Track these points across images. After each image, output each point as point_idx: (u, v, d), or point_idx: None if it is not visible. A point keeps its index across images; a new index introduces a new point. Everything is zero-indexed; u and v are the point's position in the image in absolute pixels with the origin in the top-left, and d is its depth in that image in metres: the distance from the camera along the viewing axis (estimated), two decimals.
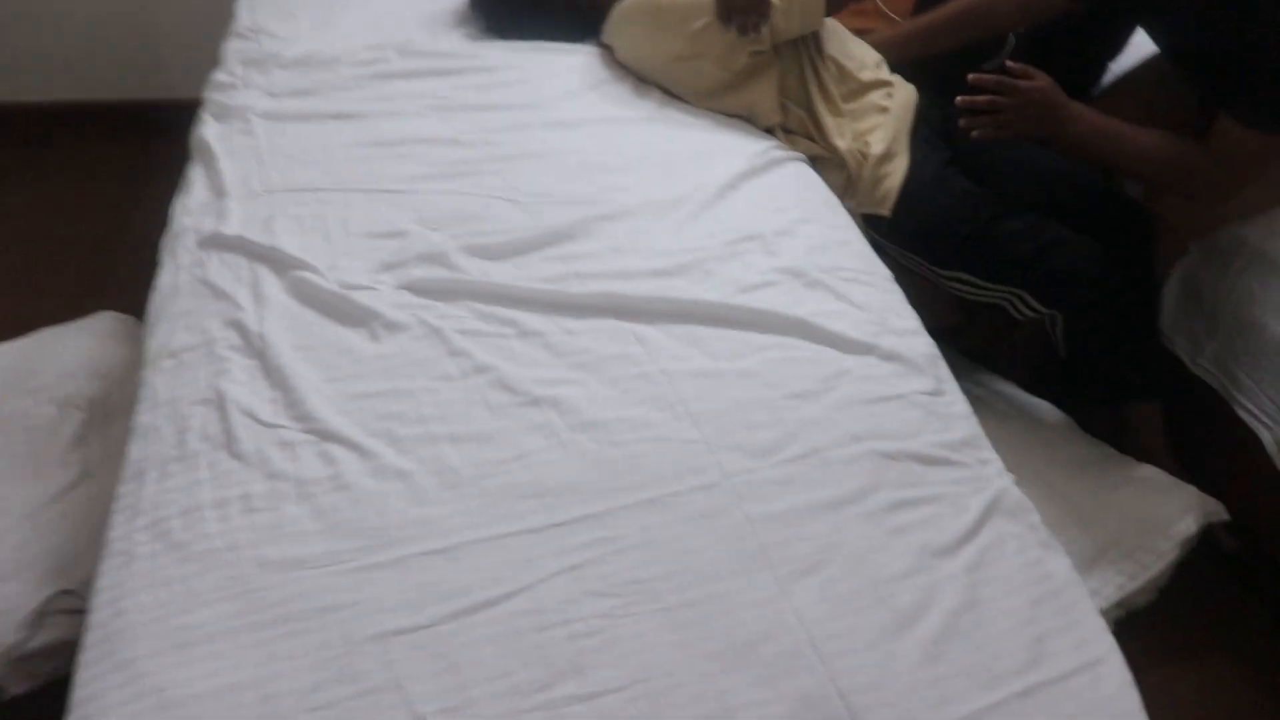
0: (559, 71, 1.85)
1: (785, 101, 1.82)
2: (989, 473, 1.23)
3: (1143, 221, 1.78)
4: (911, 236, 1.75)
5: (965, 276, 1.73)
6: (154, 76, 2.75)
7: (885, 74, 1.90)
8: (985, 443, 1.27)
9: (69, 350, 1.66)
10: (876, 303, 1.44)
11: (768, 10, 1.73)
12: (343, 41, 1.88)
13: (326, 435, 1.15)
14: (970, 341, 1.99)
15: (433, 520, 1.09)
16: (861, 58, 1.90)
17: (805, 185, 1.68)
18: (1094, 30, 2.00)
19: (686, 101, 1.82)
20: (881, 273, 1.51)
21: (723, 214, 1.55)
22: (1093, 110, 1.68)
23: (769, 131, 1.81)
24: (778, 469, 1.18)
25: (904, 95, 1.86)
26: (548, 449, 1.16)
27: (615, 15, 1.89)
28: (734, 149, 1.69)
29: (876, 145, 1.77)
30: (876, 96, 1.85)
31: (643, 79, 1.86)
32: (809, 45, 1.84)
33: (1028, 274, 1.67)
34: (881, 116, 1.82)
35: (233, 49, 1.88)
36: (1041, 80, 1.63)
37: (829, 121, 1.79)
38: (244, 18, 1.97)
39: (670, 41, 1.81)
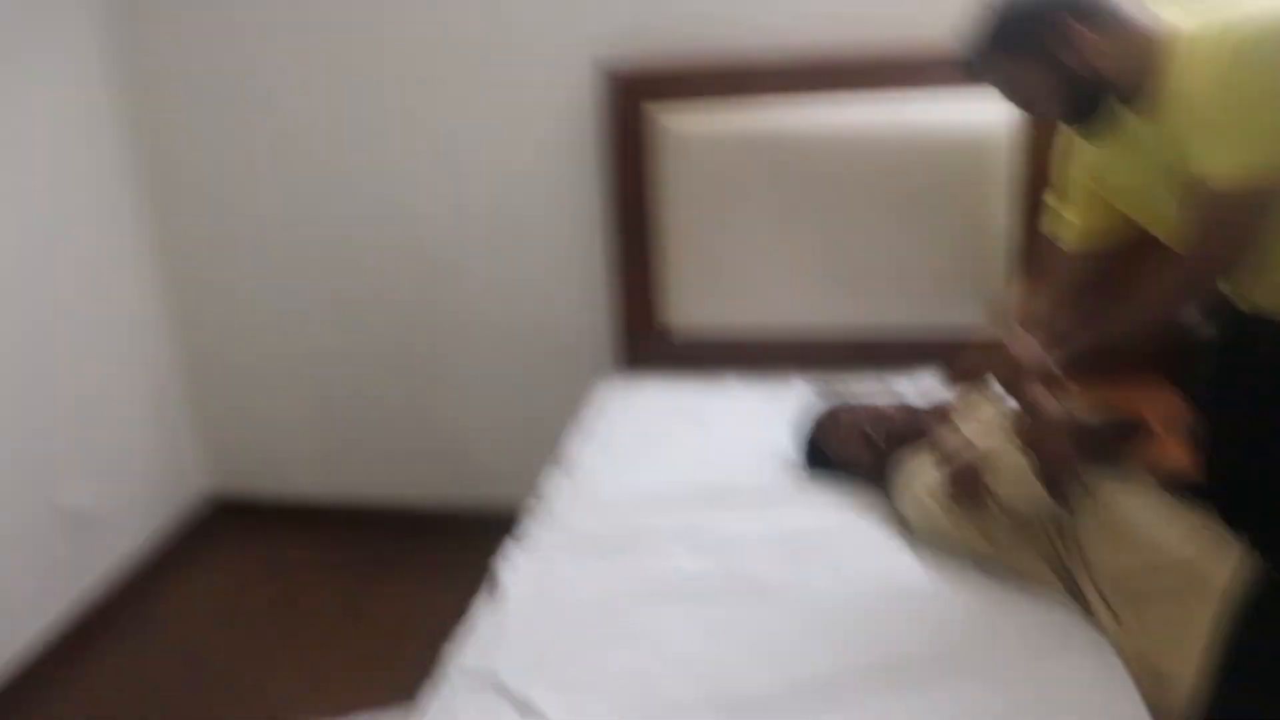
0: (854, 517, 1.82)
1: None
2: None
3: None
4: None
5: None
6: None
7: (1191, 552, 1.53)
8: None
9: None
10: None
11: (979, 490, 1.67)
12: (652, 486, 1.95)
13: None
14: None
15: None
16: (1159, 540, 1.56)
17: (1095, 666, 1.46)
18: None
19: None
20: None
21: (995, 695, 1.39)
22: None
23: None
24: None
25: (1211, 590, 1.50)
26: None
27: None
28: (1016, 615, 1.55)
29: (1164, 662, 1.47)
30: (1169, 580, 1.52)
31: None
32: (1091, 526, 1.64)
33: None
34: (1174, 610, 1.50)
35: (553, 483, 1.99)
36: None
37: (1108, 625, 1.55)
38: (570, 452, 2.10)
39: (932, 515, 1.76)
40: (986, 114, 2.21)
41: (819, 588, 1.63)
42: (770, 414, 2.19)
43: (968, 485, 1.68)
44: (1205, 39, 1.44)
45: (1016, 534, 1.66)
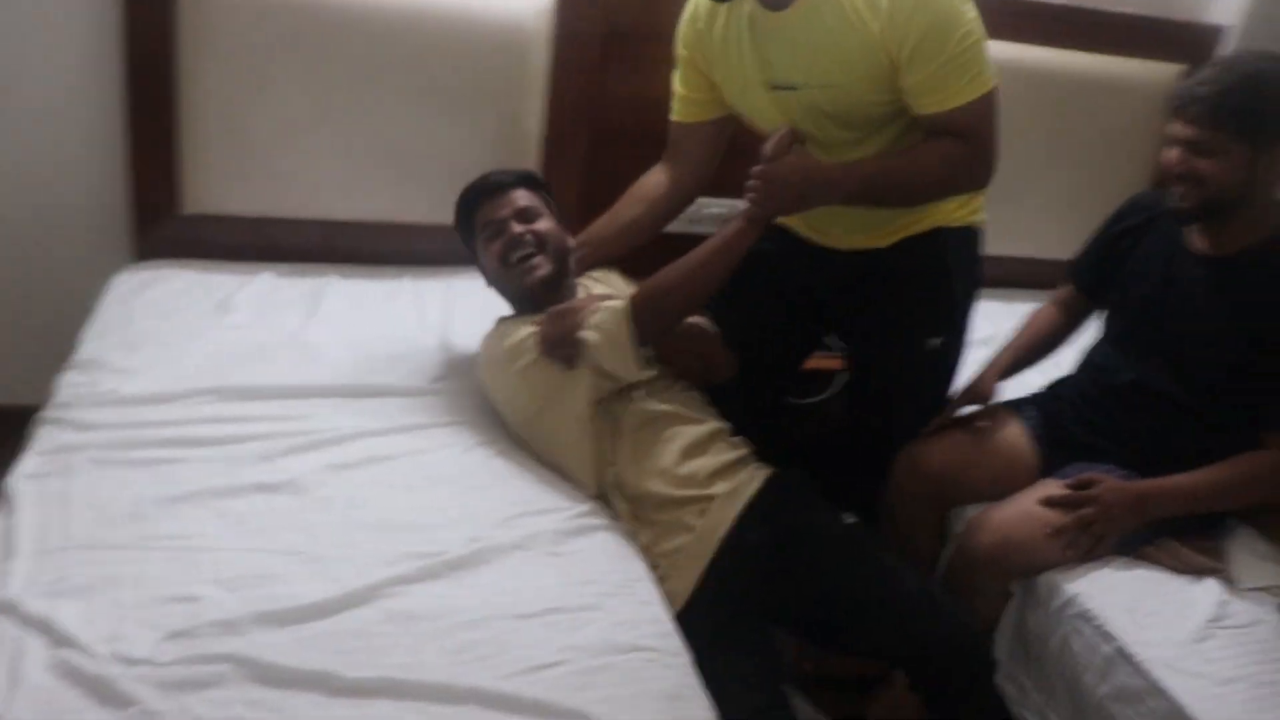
0: (390, 413, 1.84)
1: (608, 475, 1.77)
2: None
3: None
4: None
5: None
6: None
7: (716, 488, 1.72)
8: None
9: None
10: (671, 686, 1.38)
11: (574, 344, 1.73)
12: (178, 381, 1.83)
13: None
14: None
15: None
16: (693, 470, 1.74)
17: (616, 555, 1.63)
18: None
19: (531, 449, 1.82)
20: (682, 655, 1.46)
21: (527, 581, 1.51)
22: (847, 164, 1.75)
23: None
24: None
25: (714, 521, 1.69)
26: None
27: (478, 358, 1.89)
28: (550, 509, 1.67)
29: (668, 576, 1.66)
30: (687, 514, 1.71)
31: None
32: (632, 443, 1.77)
33: None
34: (683, 539, 1.69)
35: (68, 382, 1.80)
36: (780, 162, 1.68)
37: (631, 521, 1.74)
38: (86, 348, 1.91)
39: (507, 383, 1.82)
40: (527, 8, 2.27)
41: (358, 485, 1.66)
42: (301, 307, 2.16)
43: (562, 325, 1.76)
44: None
45: (586, 396, 1.75)
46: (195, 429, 1.72)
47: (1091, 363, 2.03)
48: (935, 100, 1.69)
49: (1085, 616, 1.73)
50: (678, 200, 2.02)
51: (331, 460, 1.70)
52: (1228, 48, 2.71)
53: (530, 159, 2.38)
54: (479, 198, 1.95)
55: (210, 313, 2.10)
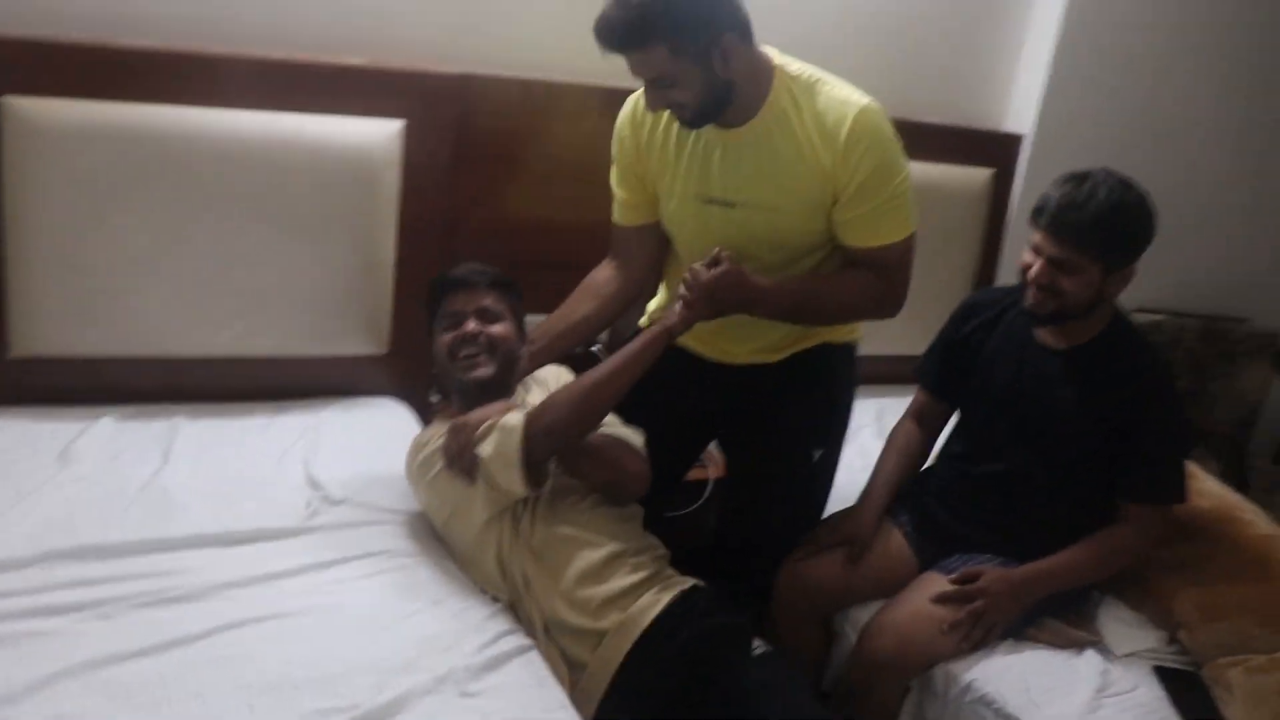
0: (266, 559, 1.74)
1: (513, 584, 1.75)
2: None
3: None
4: None
5: None
6: None
7: (608, 620, 1.69)
8: None
9: None
10: None
11: (472, 458, 1.72)
12: (25, 543, 1.68)
13: None
14: None
15: None
16: (588, 597, 1.71)
17: (531, 685, 1.57)
18: None
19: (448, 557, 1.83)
20: None
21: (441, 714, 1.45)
22: (777, 281, 1.80)
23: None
24: None
25: (605, 658, 1.67)
26: None
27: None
28: (455, 645, 1.59)
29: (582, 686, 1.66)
30: (582, 649, 1.69)
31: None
32: (537, 564, 1.74)
33: None
34: (578, 674, 1.68)
35: None
36: (723, 268, 1.72)
37: (544, 639, 1.70)
38: None
39: (421, 492, 1.87)
40: (376, 135, 2.24)
41: (248, 640, 1.54)
42: (152, 452, 2.01)
43: (460, 439, 1.75)
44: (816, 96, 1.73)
45: (484, 510, 1.74)
46: (54, 596, 1.56)
47: (951, 454, 2.13)
48: (864, 236, 1.80)
49: (985, 701, 1.79)
50: (627, 294, 2.05)
51: (214, 616, 1.57)
52: (1025, 154, 2.99)
53: (385, 286, 2.32)
54: (450, 288, 1.98)
55: (50, 464, 1.92)
